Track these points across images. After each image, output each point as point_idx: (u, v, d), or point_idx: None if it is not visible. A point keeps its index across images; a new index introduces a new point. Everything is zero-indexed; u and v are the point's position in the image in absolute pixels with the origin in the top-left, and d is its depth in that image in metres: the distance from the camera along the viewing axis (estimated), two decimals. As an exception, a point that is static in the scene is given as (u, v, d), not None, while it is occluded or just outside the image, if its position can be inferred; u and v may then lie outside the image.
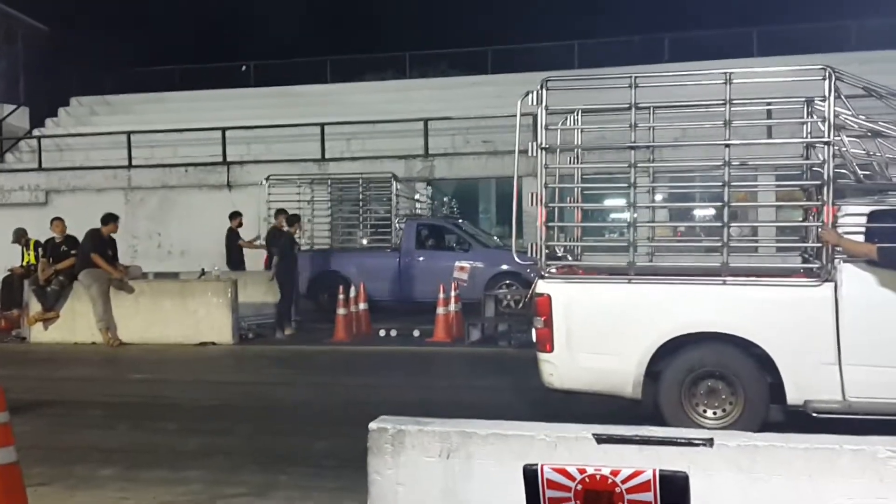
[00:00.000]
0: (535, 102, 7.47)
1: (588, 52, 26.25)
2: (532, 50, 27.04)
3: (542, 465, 3.21)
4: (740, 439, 3.41)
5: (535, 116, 7.59)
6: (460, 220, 18.90)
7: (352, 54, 29.85)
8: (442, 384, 10.75)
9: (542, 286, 7.64)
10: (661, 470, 3.06)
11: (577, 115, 8.27)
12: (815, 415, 7.05)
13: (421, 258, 16.98)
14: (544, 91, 7.46)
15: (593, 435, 3.47)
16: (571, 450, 3.51)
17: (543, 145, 7.55)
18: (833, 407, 7.05)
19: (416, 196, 20.39)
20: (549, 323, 7.53)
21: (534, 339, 7.79)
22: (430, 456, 3.76)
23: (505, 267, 15.79)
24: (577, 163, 8.32)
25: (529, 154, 7.55)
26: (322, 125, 22.13)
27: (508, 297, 14.71)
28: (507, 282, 15.78)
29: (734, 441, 3.39)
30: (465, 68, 27.53)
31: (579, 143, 8.23)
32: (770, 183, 8.80)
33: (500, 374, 10.83)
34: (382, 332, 14.59)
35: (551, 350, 7.54)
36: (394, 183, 18.09)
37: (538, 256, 7.64)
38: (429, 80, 27.67)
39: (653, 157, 7.96)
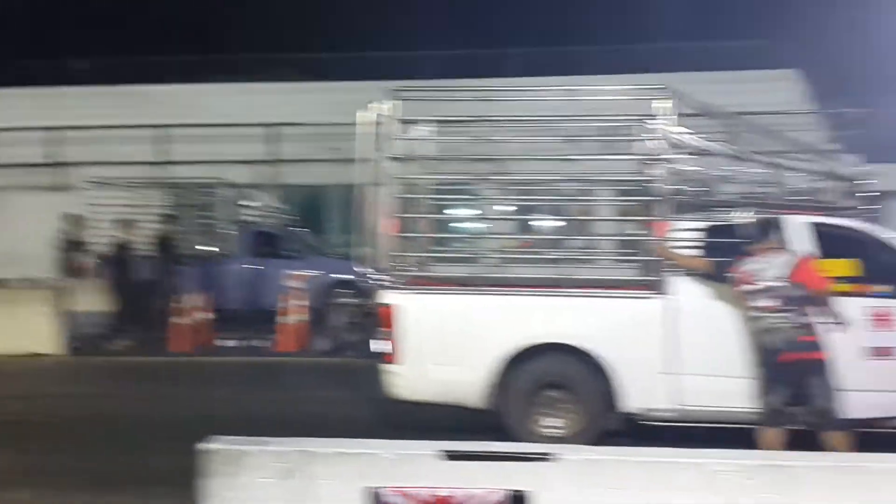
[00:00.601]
0: (384, 111, 7.41)
1: (437, 62, 26.40)
2: (382, 58, 26.97)
3: (385, 488, 3.14)
4: (583, 454, 3.45)
5: (380, 125, 7.51)
6: (297, 228, 18.64)
7: (198, 55, 28.90)
8: (286, 396, 10.48)
9: (388, 297, 7.59)
10: (509, 490, 3.04)
11: (427, 125, 8.26)
12: (651, 423, 7.30)
13: (255, 266, 16.58)
14: (393, 100, 7.42)
15: (440, 452, 3.43)
16: (417, 467, 3.46)
17: (391, 155, 7.50)
18: (668, 415, 7.32)
19: (251, 203, 19.88)
20: (394, 334, 7.50)
21: (379, 350, 7.73)
22: (270, 477, 3.62)
23: (340, 276, 15.59)
24: (427, 174, 8.32)
25: (376, 164, 7.48)
26: (164, 127, 21.31)
27: (349, 307, 14.54)
28: (342, 290, 15.57)
29: (577, 455, 3.43)
30: (316, 74, 27.15)
31: (427, 154, 8.22)
32: (610, 197, 9.04)
33: (346, 385, 10.69)
34: (225, 342, 14.15)
35: (397, 361, 7.51)
36: (225, 189, 17.62)
37: (386, 267, 7.58)
38: (279, 84, 27.12)
39: (498, 169, 8.02)
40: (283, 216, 19.85)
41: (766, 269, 6.56)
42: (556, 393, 7.46)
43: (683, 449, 3.50)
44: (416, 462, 3.45)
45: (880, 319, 7.02)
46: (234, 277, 16.42)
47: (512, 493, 3.02)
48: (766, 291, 6.50)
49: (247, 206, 19.17)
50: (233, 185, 17.79)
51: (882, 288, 7.19)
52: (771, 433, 6.52)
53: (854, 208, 7.78)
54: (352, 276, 14.73)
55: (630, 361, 7.31)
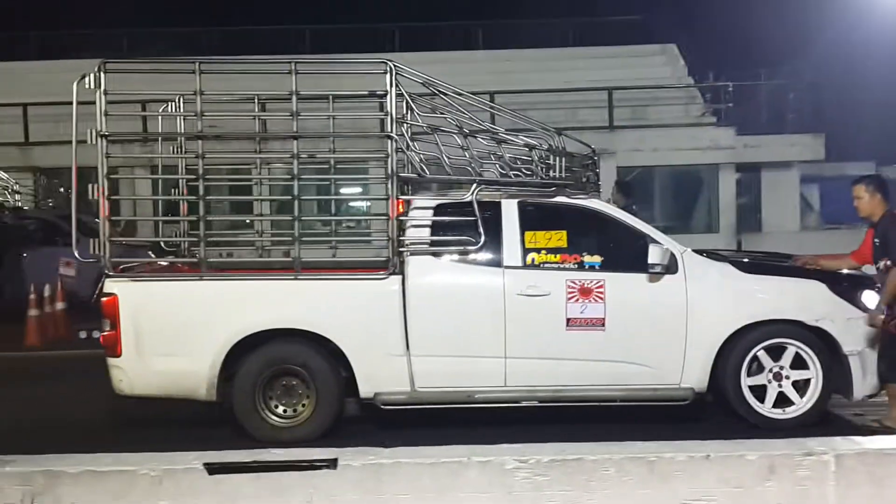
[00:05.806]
0: (91, 86, 6.79)
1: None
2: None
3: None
4: (366, 458, 3.23)
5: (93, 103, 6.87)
6: (67, 213, 16.79)
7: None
8: (36, 394, 9.37)
9: (108, 285, 7.06)
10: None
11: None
12: (384, 407, 7.18)
13: (23, 255, 14.97)
14: (102, 74, 6.80)
15: (205, 465, 3.08)
16: (180, 484, 3.09)
17: (103, 132, 6.86)
18: (401, 398, 7.17)
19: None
20: (116, 325, 7.01)
21: (103, 342, 7.16)
22: (11, 502, 3.10)
23: None
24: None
25: (89, 142, 6.85)
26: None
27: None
28: None
29: (359, 460, 3.21)
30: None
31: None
32: (343, 176, 8.79)
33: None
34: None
35: (120, 354, 7.03)
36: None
37: (101, 252, 6.94)
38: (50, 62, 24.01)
39: (215, 149, 7.56)
40: (49, 201, 18.52)
41: None
42: (287, 380, 7.18)
43: (476, 446, 3.37)
44: (181, 478, 3.08)
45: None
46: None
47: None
48: None
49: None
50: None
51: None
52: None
53: (584, 184, 8.03)
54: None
55: (363, 344, 7.10)
